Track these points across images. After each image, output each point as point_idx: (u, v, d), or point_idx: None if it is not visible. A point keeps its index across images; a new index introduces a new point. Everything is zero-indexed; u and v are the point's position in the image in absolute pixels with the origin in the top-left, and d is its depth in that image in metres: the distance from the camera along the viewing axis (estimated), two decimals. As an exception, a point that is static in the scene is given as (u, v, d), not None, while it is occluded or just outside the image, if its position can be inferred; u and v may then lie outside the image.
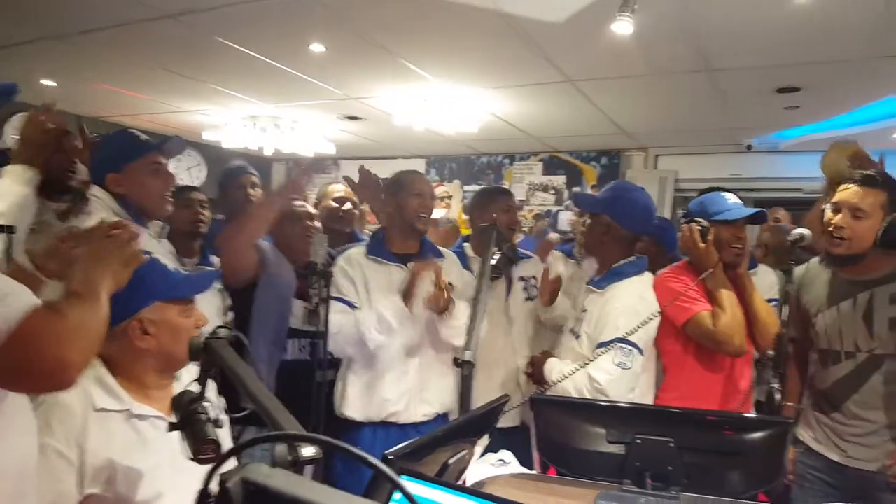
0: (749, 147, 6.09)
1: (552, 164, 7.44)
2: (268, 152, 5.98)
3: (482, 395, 1.88)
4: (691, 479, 1.65)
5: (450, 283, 2.36)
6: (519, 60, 3.67)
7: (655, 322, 2.24)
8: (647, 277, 2.35)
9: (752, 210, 2.28)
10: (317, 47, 3.62)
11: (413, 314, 2.34)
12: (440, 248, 2.61)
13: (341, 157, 7.84)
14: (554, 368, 2.30)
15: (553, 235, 4.03)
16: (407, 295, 2.32)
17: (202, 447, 1.17)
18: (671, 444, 1.64)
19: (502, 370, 2.74)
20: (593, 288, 2.35)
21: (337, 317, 2.31)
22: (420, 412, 2.42)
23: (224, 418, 1.45)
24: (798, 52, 3.31)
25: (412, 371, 2.43)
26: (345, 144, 6.85)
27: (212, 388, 1.47)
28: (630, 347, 2.16)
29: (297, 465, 0.86)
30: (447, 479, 1.37)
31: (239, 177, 3.09)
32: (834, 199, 2.12)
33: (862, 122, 5.01)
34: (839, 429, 2.15)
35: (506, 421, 2.35)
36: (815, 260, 2.33)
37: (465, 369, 1.89)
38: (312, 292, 2.16)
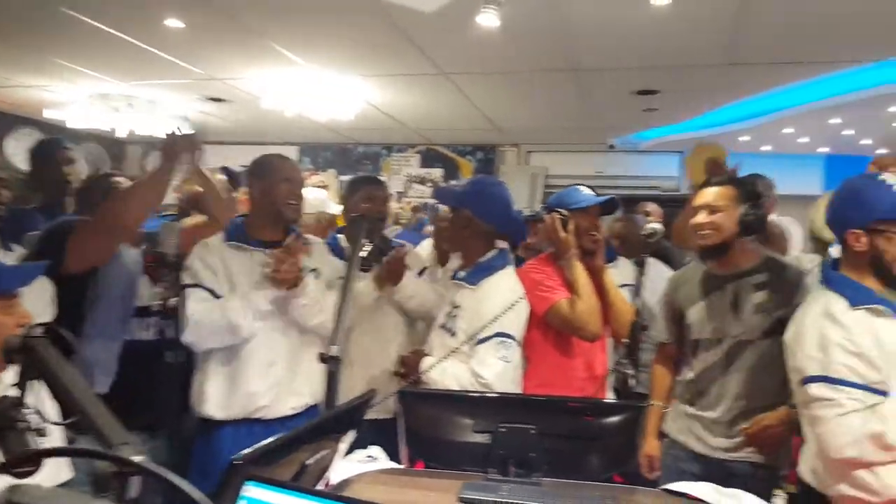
0: (612, 146, 6.46)
1: (429, 157, 7.49)
2: (121, 134, 5.55)
3: (357, 389, 1.83)
4: (552, 465, 1.67)
5: (314, 270, 2.27)
6: (392, 50, 3.64)
7: (526, 313, 2.29)
8: (512, 269, 2.39)
9: (604, 197, 2.41)
10: (173, 23, 3.38)
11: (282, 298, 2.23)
12: (307, 236, 2.50)
13: (205, 141, 7.44)
14: (434, 366, 2.28)
15: (429, 228, 4.03)
16: (273, 279, 2.19)
17: (18, 459, 1.03)
18: (533, 432, 1.65)
19: (376, 362, 2.67)
20: (464, 283, 2.34)
21: (197, 305, 2.15)
22: (289, 405, 2.29)
23: (51, 426, 1.29)
24: (656, 55, 3.52)
25: (280, 360, 2.29)
26: (208, 128, 6.48)
27: (39, 391, 1.30)
28: (510, 340, 2.20)
29: (121, 476, 0.77)
30: (306, 480, 1.31)
31: (53, 152, 2.80)
32: (694, 204, 2.29)
33: (714, 125, 5.46)
34: (701, 417, 2.27)
35: (380, 412, 2.29)
36: (692, 264, 2.48)
37: (331, 365, 1.81)
38: (162, 285, 1.99)
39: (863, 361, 1.63)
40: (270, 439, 1.16)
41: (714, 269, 2.31)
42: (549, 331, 2.34)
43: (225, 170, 2.91)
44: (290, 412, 2.27)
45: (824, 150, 6.11)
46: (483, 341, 2.18)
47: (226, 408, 2.23)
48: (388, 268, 2.49)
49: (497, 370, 2.14)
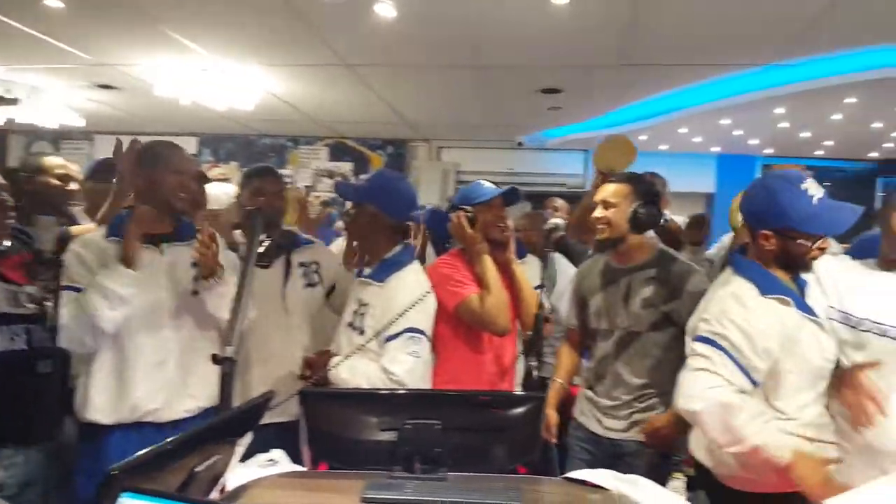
0: (520, 144, 6.58)
1: (339, 151, 7.36)
2: (-1, 122, 5.14)
3: (260, 391, 1.73)
4: (459, 459, 1.67)
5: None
6: (293, 38, 3.53)
7: (434, 307, 2.28)
8: (418, 264, 2.37)
9: (505, 188, 2.44)
10: (53, 2, 3.13)
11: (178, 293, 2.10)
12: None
13: (94, 130, 6.97)
14: (342, 367, 2.22)
15: (340, 223, 3.95)
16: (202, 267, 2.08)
17: None
18: (438, 427, 1.64)
19: (281, 363, 2.56)
20: (371, 280, 2.30)
21: (67, 307, 2.00)
22: (182, 408, 2.15)
23: None
24: (557, 55, 3.60)
25: (171, 361, 2.16)
26: (98, 116, 6.09)
27: None
28: (420, 335, 2.17)
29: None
30: (196, 488, 1.23)
31: None
32: (594, 200, 2.40)
33: (615, 125, 5.66)
34: (599, 402, 2.38)
35: (283, 415, 2.20)
36: (596, 256, 2.56)
37: (225, 366, 1.72)
38: (38, 285, 1.82)
39: (751, 345, 1.69)
40: (152, 447, 1.08)
41: (613, 262, 2.41)
42: (459, 326, 2.34)
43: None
44: (183, 415, 2.14)
45: (716, 149, 6.47)
46: (393, 338, 2.15)
47: (113, 412, 2.07)
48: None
49: (408, 366, 2.12)
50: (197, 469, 1.22)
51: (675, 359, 2.32)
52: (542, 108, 4.97)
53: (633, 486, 1.63)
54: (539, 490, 1.65)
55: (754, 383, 1.71)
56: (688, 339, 1.87)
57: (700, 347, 1.73)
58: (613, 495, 1.58)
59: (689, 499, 2.00)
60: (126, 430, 2.07)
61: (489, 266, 2.31)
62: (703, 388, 1.68)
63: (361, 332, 2.24)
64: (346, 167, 7.33)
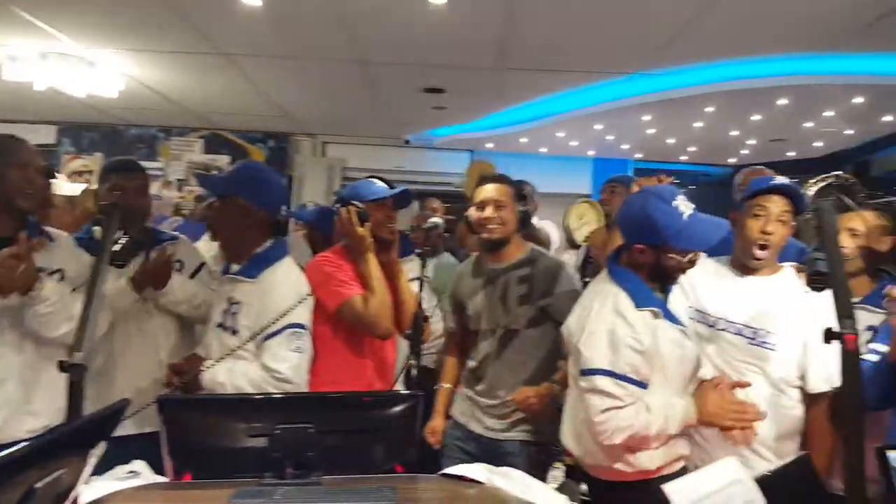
0: (407, 142, 6.60)
1: (215, 143, 7.02)
2: None
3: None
4: (333, 462, 1.63)
5: (57, 271, 1.98)
6: (160, 24, 3.33)
7: (313, 301, 2.21)
8: (290, 259, 2.30)
9: (398, 189, 2.38)
10: None
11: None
12: (51, 230, 2.17)
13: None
14: (218, 370, 2.10)
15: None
16: None
17: None
18: (311, 430, 1.60)
19: (145, 369, 2.40)
20: (241, 278, 2.19)
21: None
22: (23, 428, 1.97)
23: None
24: (439, 55, 3.63)
25: (12, 379, 1.97)
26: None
27: None
28: (302, 331, 2.12)
29: None
30: (35, 506, 1.12)
31: None
32: (478, 200, 2.38)
33: (498, 127, 5.80)
34: (479, 401, 2.40)
35: (145, 425, 2.06)
36: (468, 261, 2.58)
37: (73, 374, 1.58)
38: None
39: (643, 359, 1.80)
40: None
41: (489, 263, 2.44)
42: (339, 326, 2.27)
43: None
44: (25, 436, 1.95)
45: (592, 152, 6.79)
46: (274, 335, 2.07)
47: None
48: (149, 270, 2.26)
49: (293, 362, 2.06)
50: (37, 485, 1.11)
51: (550, 354, 2.41)
52: (427, 108, 5.01)
53: (506, 479, 1.67)
54: (415, 488, 1.64)
55: (646, 386, 1.83)
56: (576, 363, 1.90)
57: (602, 383, 1.79)
58: (488, 488, 1.61)
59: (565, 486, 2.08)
60: None
61: (374, 266, 2.24)
62: (618, 425, 1.77)
63: (234, 333, 2.13)
64: (223, 160, 7.02)
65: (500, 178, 2.43)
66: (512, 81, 4.20)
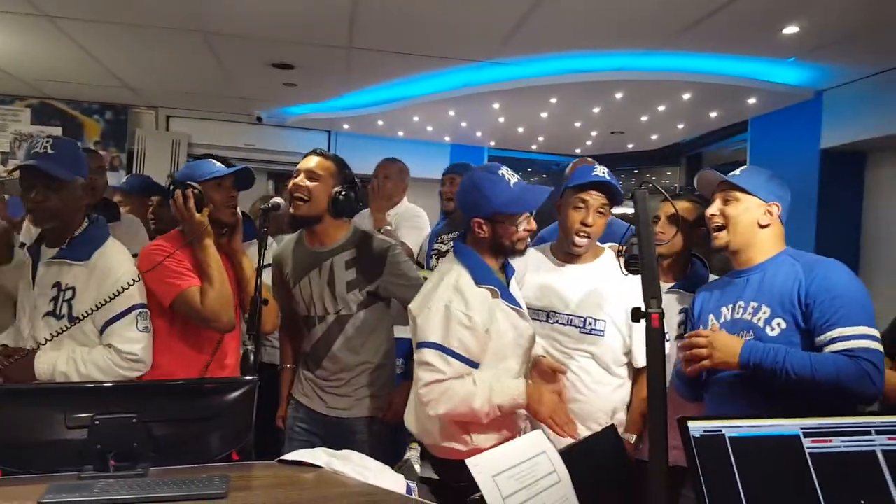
0: (259, 119, 6.37)
1: (45, 113, 6.40)
2: None
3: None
4: (163, 452, 1.60)
5: None
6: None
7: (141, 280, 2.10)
8: (112, 238, 2.17)
9: (237, 168, 2.30)
10: None
11: None
12: None
13: None
14: (57, 358, 1.94)
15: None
16: None
17: None
18: (134, 420, 1.55)
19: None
20: (68, 260, 2.05)
21: None
22: None
23: None
24: (286, 29, 3.53)
25: None
26: None
27: None
28: (146, 310, 2.07)
29: None
30: None
31: None
32: (297, 168, 2.38)
33: (355, 108, 5.74)
34: (321, 383, 2.42)
35: None
36: (290, 239, 2.54)
37: None
38: None
39: (473, 336, 1.89)
40: None
41: (310, 246, 2.44)
42: (175, 319, 2.16)
43: None
44: None
45: (448, 138, 6.91)
46: (117, 318, 2.00)
47: None
48: None
49: (143, 343, 2.03)
50: None
51: (385, 330, 2.48)
52: (278, 84, 4.86)
53: (345, 461, 1.71)
54: (250, 475, 1.65)
55: (476, 365, 1.93)
56: (414, 338, 1.98)
57: (430, 356, 1.88)
58: (326, 472, 1.64)
59: (421, 468, 2.15)
60: None
61: (213, 255, 2.14)
62: (441, 396, 1.86)
63: (70, 319, 2.00)
64: (54, 132, 6.40)
65: (328, 155, 2.40)
66: (362, 61, 4.17)
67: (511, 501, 1.27)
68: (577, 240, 2.23)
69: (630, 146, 6.84)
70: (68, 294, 2.02)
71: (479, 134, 6.58)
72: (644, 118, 5.60)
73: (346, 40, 3.78)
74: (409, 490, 1.63)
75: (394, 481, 1.65)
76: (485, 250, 2.03)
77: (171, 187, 2.20)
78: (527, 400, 1.90)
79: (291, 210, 2.33)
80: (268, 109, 6.17)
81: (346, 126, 6.42)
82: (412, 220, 3.68)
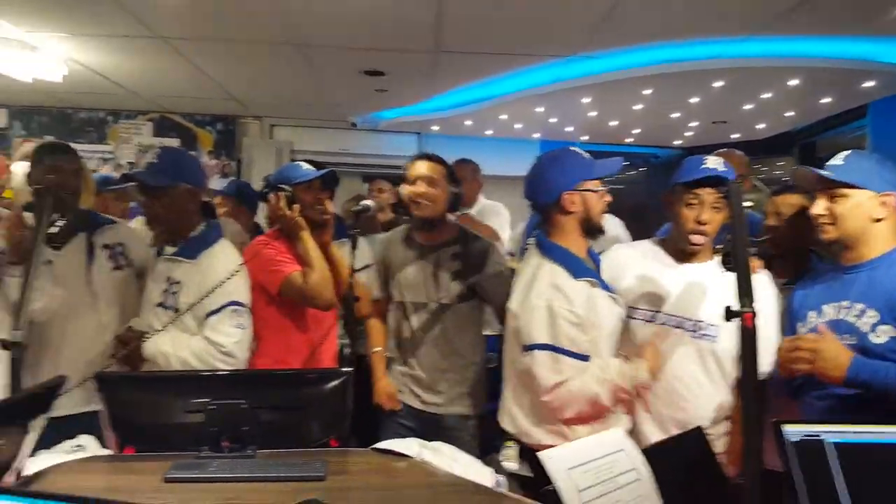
0: (353, 125, 6.61)
1: (164, 126, 6.94)
2: None
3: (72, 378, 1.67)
4: (268, 437, 1.72)
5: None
6: (95, 7, 3.30)
7: (248, 281, 2.28)
8: (225, 241, 2.36)
9: (323, 171, 2.45)
10: None
11: None
12: None
13: None
14: (162, 340, 2.16)
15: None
16: None
17: None
18: (244, 406, 1.68)
19: (89, 349, 2.44)
20: (180, 258, 2.26)
21: None
22: None
23: None
24: (376, 37, 3.66)
25: None
26: None
27: None
28: (243, 308, 2.20)
29: None
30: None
31: None
32: (410, 176, 2.47)
33: (443, 109, 5.83)
34: (417, 376, 2.49)
35: (96, 403, 2.11)
36: (397, 230, 2.65)
37: (14, 352, 1.65)
38: None
39: (580, 331, 1.88)
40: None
41: (419, 241, 2.53)
42: (283, 307, 2.35)
43: None
44: None
45: (537, 135, 6.87)
46: (215, 312, 2.15)
47: None
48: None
49: (236, 338, 2.15)
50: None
51: (478, 328, 2.54)
52: (369, 90, 5.02)
53: (435, 453, 1.76)
54: (346, 461, 1.73)
55: (587, 358, 1.92)
56: (516, 340, 1.98)
57: (543, 357, 1.87)
58: (416, 462, 1.69)
59: (519, 466, 2.15)
60: None
61: (310, 243, 2.32)
62: (567, 398, 1.86)
63: (175, 311, 2.20)
64: (172, 143, 6.94)
65: (433, 157, 2.51)
66: (449, 64, 4.25)
67: (586, 495, 1.24)
68: (694, 238, 2.05)
69: (735, 136, 6.55)
70: (176, 288, 2.22)
71: (569, 129, 6.50)
72: (748, 106, 5.36)
73: (433, 44, 3.87)
74: (498, 484, 1.64)
75: (482, 474, 1.66)
76: (572, 233, 1.99)
77: (267, 190, 2.38)
78: (648, 373, 1.92)
79: (415, 213, 2.44)
80: (361, 115, 6.38)
81: (434, 128, 6.53)
82: (493, 218, 3.74)
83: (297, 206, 2.33)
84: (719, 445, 1.98)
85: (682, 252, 2.11)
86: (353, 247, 2.22)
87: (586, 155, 2.02)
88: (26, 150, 3.70)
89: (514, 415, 2.05)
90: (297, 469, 1.57)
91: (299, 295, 2.30)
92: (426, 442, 1.82)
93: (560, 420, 1.95)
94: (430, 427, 2.42)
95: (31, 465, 1.51)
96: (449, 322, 2.46)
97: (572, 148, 2.04)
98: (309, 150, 6.55)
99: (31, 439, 1.41)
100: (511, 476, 2.04)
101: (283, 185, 2.35)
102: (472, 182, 3.78)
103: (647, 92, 4.97)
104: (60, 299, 2.32)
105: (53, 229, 1.94)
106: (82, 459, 1.70)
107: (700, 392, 2.04)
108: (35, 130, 6.78)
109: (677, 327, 2.04)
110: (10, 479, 1.33)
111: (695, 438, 1.82)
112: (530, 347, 1.90)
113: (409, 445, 1.78)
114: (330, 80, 4.78)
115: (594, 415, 1.91)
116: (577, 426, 1.95)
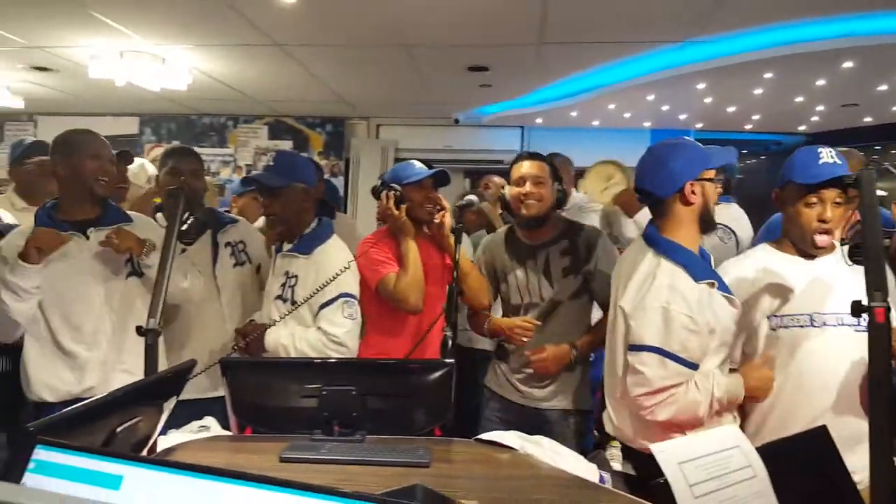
0: (456, 121, 6.68)
1: (278, 129, 7.33)
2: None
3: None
4: (375, 422, 1.78)
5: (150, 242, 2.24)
6: (219, 19, 3.54)
7: (358, 275, 2.39)
8: (337, 237, 2.47)
9: (434, 170, 2.47)
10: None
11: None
12: (130, 213, 2.43)
13: (36, 112, 6.84)
14: (282, 333, 2.31)
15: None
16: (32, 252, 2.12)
17: None
18: (354, 393, 1.75)
19: (213, 339, 2.65)
20: (296, 254, 2.39)
21: None
22: (118, 383, 2.23)
23: None
24: (479, 34, 3.68)
25: (104, 339, 2.24)
26: (37, 98, 5.97)
27: None
28: (353, 300, 2.31)
29: None
30: (118, 447, 1.31)
31: None
32: (516, 176, 2.44)
33: (547, 101, 5.77)
34: (520, 371, 2.48)
35: (220, 388, 2.28)
36: (499, 232, 2.65)
37: (149, 338, 1.80)
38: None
39: (696, 338, 1.78)
40: (71, 407, 1.17)
41: (524, 238, 2.51)
42: (383, 303, 2.42)
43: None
44: None
45: (648, 124, 6.64)
46: (328, 304, 2.27)
47: (55, 391, 2.18)
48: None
49: (347, 328, 2.26)
50: (119, 430, 1.30)
51: (585, 326, 2.49)
52: (473, 86, 5.06)
53: (537, 446, 1.75)
54: (449, 450, 1.75)
55: (696, 366, 1.82)
56: (623, 339, 1.90)
57: (650, 359, 1.79)
58: (519, 454, 1.70)
59: (622, 465, 2.12)
60: (69, 406, 2.14)
61: (411, 246, 2.39)
62: (660, 401, 1.79)
63: (293, 303, 2.34)
64: (286, 145, 7.31)
65: (537, 156, 2.50)
66: (554, 56, 4.19)
67: (698, 490, 1.21)
68: (818, 239, 1.92)
69: (867, 120, 6.06)
70: (293, 281, 2.36)
71: (682, 117, 6.24)
72: (882, 87, 4.95)
73: (536, 37, 3.84)
74: (601, 480, 1.61)
75: (585, 469, 1.64)
76: (690, 226, 1.89)
77: (379, 189, 2.45)
78: (748, 391, 1.84)
79: (523, 213, 2.41)
80: (464, 111, 6.43)
81: (538, 120, 6.47)
82: (588, 216, 3.65)
83: (404, 207, 2.39)
84: None
85: (806, 252, 1.99)
86: (458, 241, 2.25)
87: (699, 144, 1.94)
88: (156, 155, 4.06)
89: (611, 415, 2.00)
90: (403, 455, 1.61)
91: (389, 297, 2.37)
92: (527, 435, 1.82)
93: (658, 428, 1.86)
94: (530, 422, 2.39)
95: (164, 441, 1.64)
96: (561, 319, 2.44)
97: (686, 139, 1.96)
98: (413, 149, 6.69)
99: (163, 418, 1.54)
100: (615, 474, 2.00)
101: (394, 185, 2.41)
102: (563, 175, 3.70)
103: (768, 76, 4.69)
104: (202, 284, 2.52)
105: (184, 226, 2.10)
106: (207, 439, 1.83)
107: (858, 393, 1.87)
108: (163, 136, 7.36)
109: (839, 325, 1.90)
110: (144, 453, 1.46)
111: (819, 438, 1.69)
112: (639, 348, 1.82)
113: (510, 438, 1.78)
114: (435, 78, 4.86)
115: (690, 424, 1.82)
116: (677, 435, 1.87)
